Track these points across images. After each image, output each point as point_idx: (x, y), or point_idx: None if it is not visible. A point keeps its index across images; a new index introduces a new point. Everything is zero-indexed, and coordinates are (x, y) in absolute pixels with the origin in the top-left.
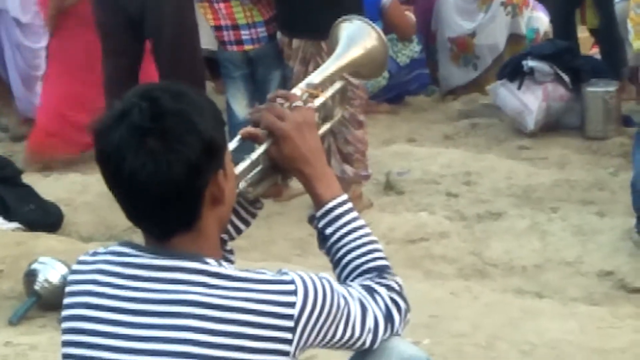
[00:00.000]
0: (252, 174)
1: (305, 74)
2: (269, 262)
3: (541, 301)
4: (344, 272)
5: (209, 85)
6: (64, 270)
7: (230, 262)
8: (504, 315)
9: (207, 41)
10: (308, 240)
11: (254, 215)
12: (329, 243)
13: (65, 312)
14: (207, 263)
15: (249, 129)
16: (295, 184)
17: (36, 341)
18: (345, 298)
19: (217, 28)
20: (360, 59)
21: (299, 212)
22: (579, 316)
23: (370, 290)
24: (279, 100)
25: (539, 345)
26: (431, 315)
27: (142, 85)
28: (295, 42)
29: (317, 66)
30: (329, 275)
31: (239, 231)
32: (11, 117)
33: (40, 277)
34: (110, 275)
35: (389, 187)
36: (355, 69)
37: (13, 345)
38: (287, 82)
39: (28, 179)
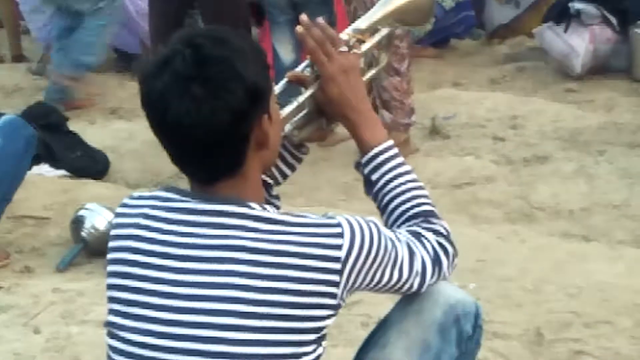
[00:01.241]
0: (297, 117)
1: (349, 13)
2: (315, 207)
3: (588, 244)
4: (390, 218)
5: (254, 31)
6: (110, 216)
7: (276, 207)
8: (551, 259)
9: None
10: (353, 185)
11: (299, 160)
12: (375, 189)
13: (110, 256)
14: (251, 207)
15: (296, 72)
16: (340, 130)
17: (83, 287)
18: (392, 241)
19: None
20: (406, 5)
21: (344, 158)
22: (626, 259)
23: (417, 235)
24: None
25: (585, 288)
26: (478, 259)
27: (185, 31)
28: None
29: (357, 6)
30: (376, 220)
31: (285, 176)
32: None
33: (87, 224)
34: (154, 220)
35: (435, 131)
36: (401, 16)
37: (61, 291)
38: (332, 27)
39: (74, 126)
